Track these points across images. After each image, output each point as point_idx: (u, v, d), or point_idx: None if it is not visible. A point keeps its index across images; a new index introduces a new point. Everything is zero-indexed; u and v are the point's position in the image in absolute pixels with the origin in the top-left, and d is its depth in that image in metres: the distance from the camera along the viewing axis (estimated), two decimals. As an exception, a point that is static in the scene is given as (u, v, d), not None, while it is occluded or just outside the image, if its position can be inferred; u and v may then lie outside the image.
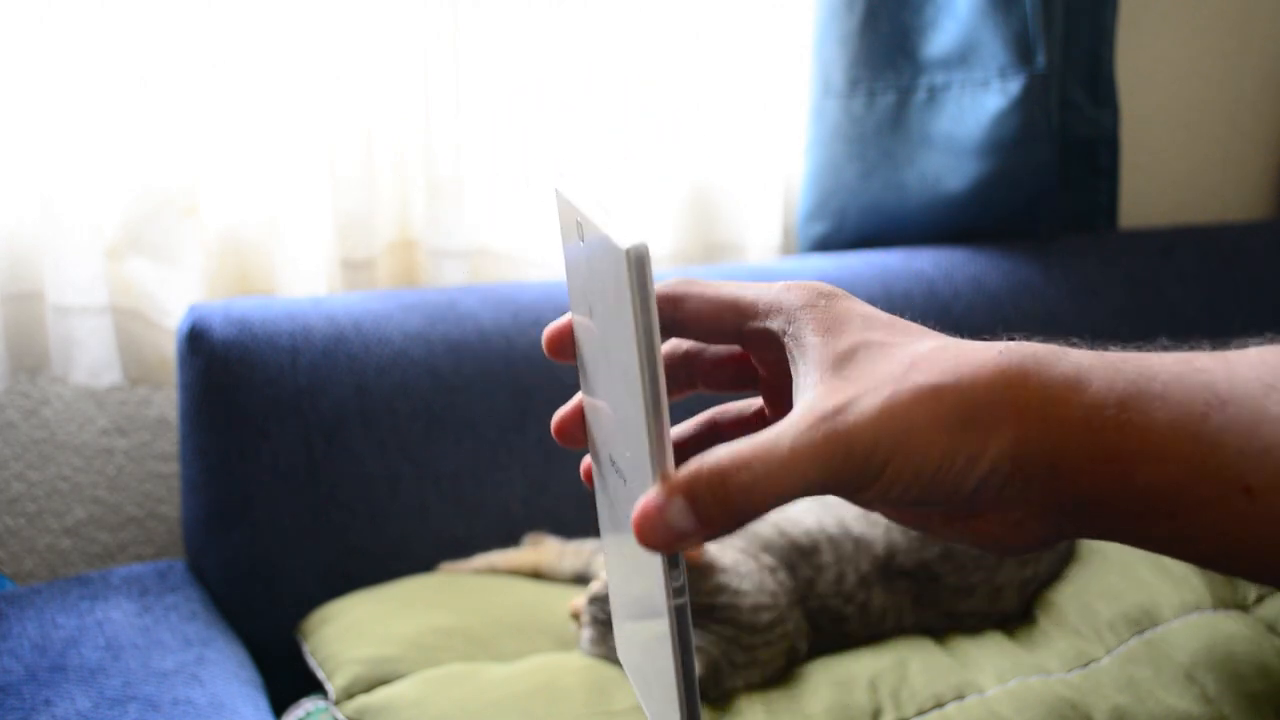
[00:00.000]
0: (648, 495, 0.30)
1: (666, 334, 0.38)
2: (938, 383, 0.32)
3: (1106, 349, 0.34)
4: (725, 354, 0.40)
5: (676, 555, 0.31)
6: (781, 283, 0.37)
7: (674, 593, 0.31)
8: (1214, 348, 0.34)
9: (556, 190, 0.37)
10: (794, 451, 0.30)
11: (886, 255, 1.35)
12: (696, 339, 0.39)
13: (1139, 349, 0.34)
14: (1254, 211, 1.76)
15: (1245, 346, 0.33)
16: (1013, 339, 0.35)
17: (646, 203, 1.32)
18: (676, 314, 0.37)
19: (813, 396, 0.33)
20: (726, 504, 0.30)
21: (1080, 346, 0.34)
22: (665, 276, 0.40)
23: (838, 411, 0.31)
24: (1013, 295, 1.33)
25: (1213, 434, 0.31)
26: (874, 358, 0.33)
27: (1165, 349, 0.34)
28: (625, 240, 0.30)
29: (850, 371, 0.33)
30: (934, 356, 0.33)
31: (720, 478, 0.30)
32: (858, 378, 0.33)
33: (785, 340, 0.35)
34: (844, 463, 0.31)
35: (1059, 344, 0.34)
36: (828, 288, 0.36)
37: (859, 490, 0.32)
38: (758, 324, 0.36)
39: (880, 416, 0.31)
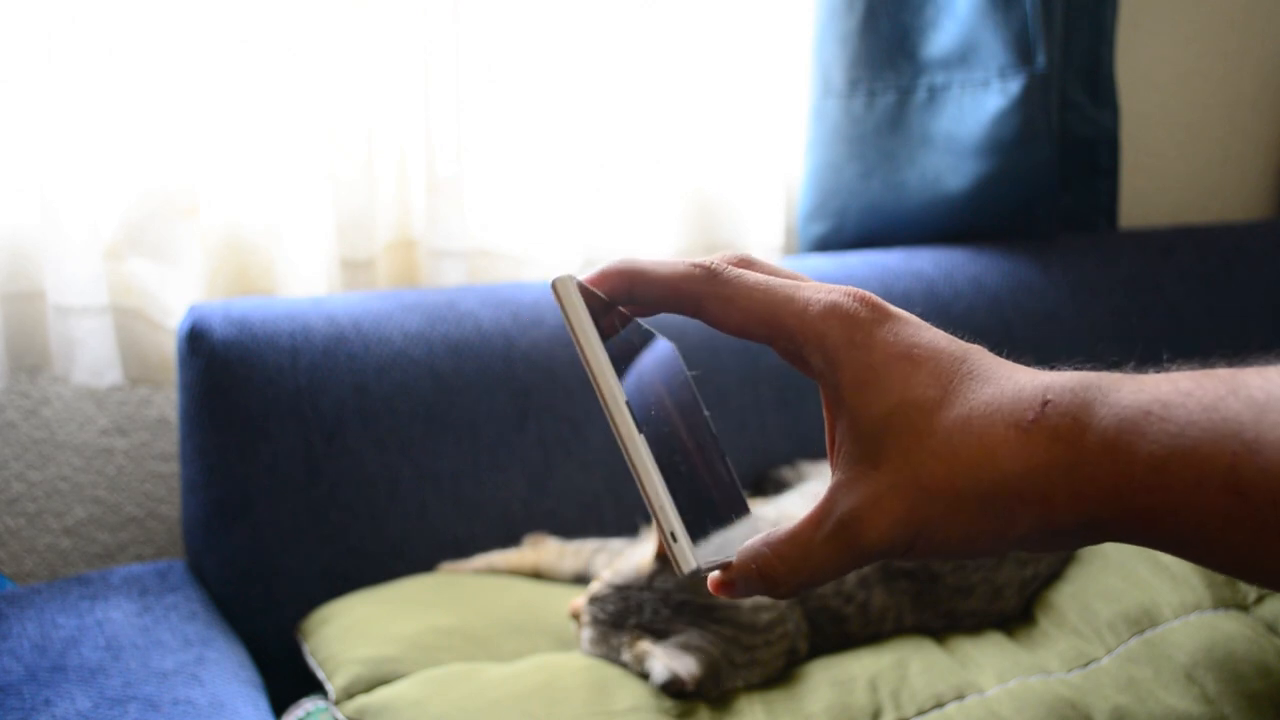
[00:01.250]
0: (716, 575, 0.37)
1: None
2: (960, 481, 0.34)
3: (1139, 370, 0.35)
4: None
5: None
6: (822, 300, 0.36)
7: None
8: (1230, 363, 0.34)
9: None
10: (821, 554, 0.35)
11: (886, 255, 1.35)
12: (723, 331, 0.40)
13: (1163, 368, 0.34)
14: (1254, 211, 1.76)
15: (1265, 363, 0.33)
16: (1054, 368, 0.35)
17: (647, 203, 1.32)
18: (695, 314, 0.38)
19: (841, 488, 0.35)
20: (774, 588, 0.36)
21: (1095, 360, 0.35)
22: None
23: (861, 517, 0.35)
24: (1013, 295, 1.33)
25: (1242, 484, 0.31)
26: (901, 439, 0.35)
27: (1190, 364, 0.34)
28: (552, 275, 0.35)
29: (877, 457, 0.35)
30: (957, 439, 0.34)
31: (764, 573, 0.36)
32: (883, 468, 0.35)
33: (822, 384, 0.37)
34: (865, 559, 0.35)
35: (1091, 376, 0.34)
36: (866, 313, 0.36)
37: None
38: (799, 350, 0.37)
39: (900, 520, 0.34)
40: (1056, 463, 0.33)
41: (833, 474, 0.36)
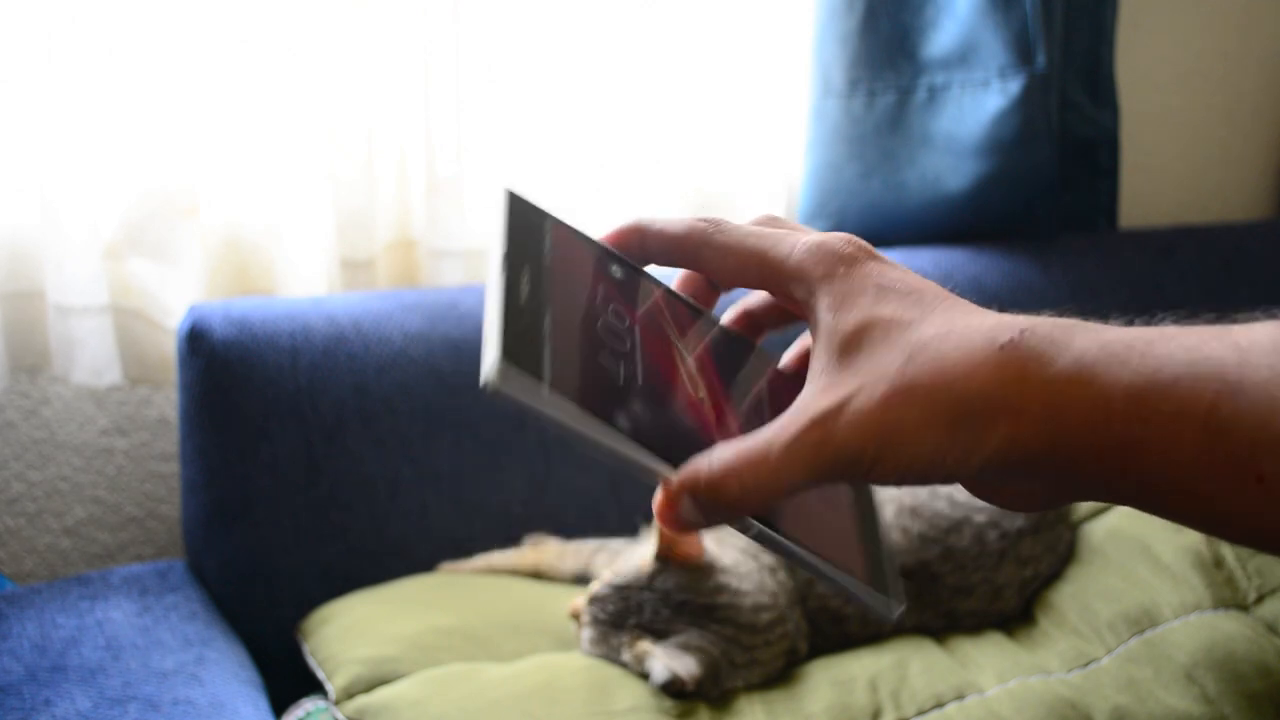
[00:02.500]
0: (659, 492, 0.34)
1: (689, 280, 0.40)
2: (931, 383, 0.32)
3: (1114, 325, 0.34)
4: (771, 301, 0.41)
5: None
6: (809, 240, 0.36)
7: None
8: (1220, 322, 0.33)
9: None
10: (781, 459, 0.33)
11: (886, 255, 1.35)
12: (723, 287, 0.40)
13: (1146, 324, 0.34)
14: (1254, 211, 1.76)
15: (1255, 321, 0.33)
16: (1026, 314, 0.34)
17: (647, 203, 1.32)
18: (696, 264, 0.38)
19: (810, 394, 0.34)
20: (722, 507, 0.34)
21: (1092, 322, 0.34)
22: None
23: (828, 417, 0.33)
24: (1013, 295, 1.33)
25: (1222, 423, 0.30)
26: (875, 347, 0.34)
27: (1175, 323, 0.33)
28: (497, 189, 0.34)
29: (850, 362, 0.34)
30: (933, 347, 0.33)
31: (714, 487, 0.33)
32: (855, 370, 0.34)
33: (806, 312, 0.36)
34: (830, 465, 0.33)
35: (1072, 319, 0.34)
36: (851, 250, 0.36)
37: (848, 480, 0.34)
38: (785, 287, 0.37)
39: (869, 421, 0.33)
40: (1031, 377, 0.32)
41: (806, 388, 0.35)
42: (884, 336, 0.34)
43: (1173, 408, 0.31)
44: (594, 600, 0.92)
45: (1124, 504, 0.34)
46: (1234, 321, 0.33)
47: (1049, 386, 0.32)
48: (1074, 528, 1.09)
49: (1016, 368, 0.32)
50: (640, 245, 0.39)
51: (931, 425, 0.32)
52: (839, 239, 0.36)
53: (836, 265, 0.36)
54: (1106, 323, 0.34)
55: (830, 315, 0.35)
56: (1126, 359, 0.32)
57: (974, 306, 0.35)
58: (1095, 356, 0.32)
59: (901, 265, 0.37)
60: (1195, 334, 0.32)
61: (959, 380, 0.32)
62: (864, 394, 0.33)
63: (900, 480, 0.33)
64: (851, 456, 0.33)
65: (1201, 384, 0.31)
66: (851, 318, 0.34)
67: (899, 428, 0.33)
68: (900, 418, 0.33)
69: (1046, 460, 0.32)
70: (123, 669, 0.86)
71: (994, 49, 1.30)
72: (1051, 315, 0.34)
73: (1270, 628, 0.95)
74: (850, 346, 0.34)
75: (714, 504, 0.33)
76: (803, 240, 0.37)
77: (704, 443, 0.35)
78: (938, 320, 0.34)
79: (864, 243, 0.37)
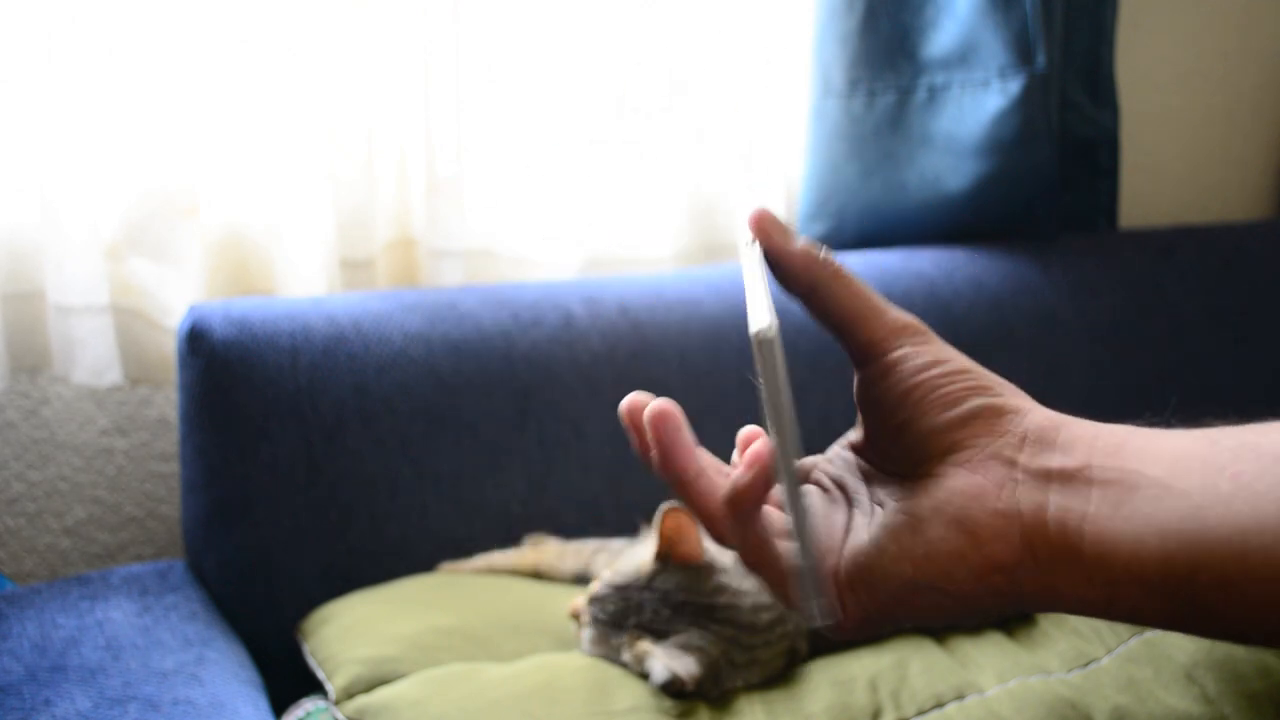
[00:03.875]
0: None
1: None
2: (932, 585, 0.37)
3: (1179, 421, 0.38)
4: None
5: None
6: (901, 317, 0.40)
7: None
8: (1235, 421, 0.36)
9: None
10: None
11: (886, 255, 1.35)
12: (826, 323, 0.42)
13: (1202, 422, 0.37)
14: (1254, 211, 1.76)
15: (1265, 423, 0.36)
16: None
17: (647, 203, 1.32)
18: (808, 299, 0.41)
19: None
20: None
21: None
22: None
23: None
24: (1013, 295, 1.33)
25: (1104, 573, 0.35)
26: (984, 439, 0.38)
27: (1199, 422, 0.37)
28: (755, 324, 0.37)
29: (955, 451, 0.38)
30: (942, 549, 0.37)
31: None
32: (965, 467, 0.38)
33: (878, 391, 0.40)
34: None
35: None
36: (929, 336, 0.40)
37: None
38: (871, 353, 0.40)
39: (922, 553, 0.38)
40: (1034, 565, 0.36)
41: (881, 483, 0.40)
42: (989, 428, 0.38)
43: (1073, 568, 0.36)
44: (594, 600, 0.92)
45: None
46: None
47: (1047, 579, 0.36)
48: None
49: (1023, 555, 0.36)
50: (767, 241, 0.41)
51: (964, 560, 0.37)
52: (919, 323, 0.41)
53: (923, 345, 0.40)
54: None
55: (917, 408, 0.39)
56: (1132, 517, 0.35)
57: (1015, 420, 0.38)
58: (1100, 534, 0.35)
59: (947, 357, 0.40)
60: (1209, 470, 0.35)
61: (960, 590, 0.37)
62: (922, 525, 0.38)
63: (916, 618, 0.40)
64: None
65: (1079, 539, 0.36)
66: (948, 414, 0.38)
67: (935, 555, 0.37)
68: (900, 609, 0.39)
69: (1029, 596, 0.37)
70: (123, 669, 0.86)
71: (994, 49, 1.30)
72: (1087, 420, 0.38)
73: (1270, 628, 0.95)
74: (947, 436, 0.38)
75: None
76: (897, 315, 0.40)
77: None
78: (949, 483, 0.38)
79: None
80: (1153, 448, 0.35)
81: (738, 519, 0.38)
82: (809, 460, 0.44)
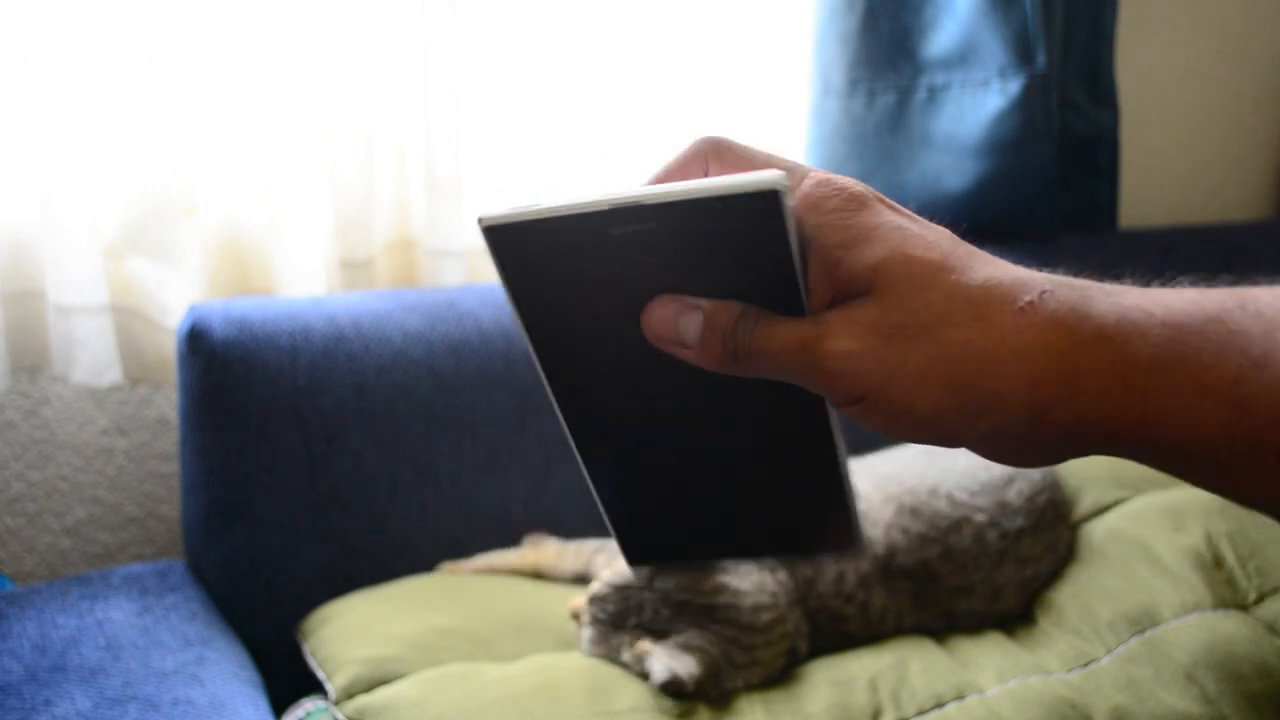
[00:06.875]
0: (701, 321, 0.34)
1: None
2: (948, 345, 0.31)
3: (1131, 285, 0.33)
4: None
5: None
6: (819, 174, 0.35)
7: None
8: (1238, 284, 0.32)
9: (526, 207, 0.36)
10: (781, 342, 0.33)
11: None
12: None
13: (1165, 286, 0.32)
14: (1254, 211, 1.76)
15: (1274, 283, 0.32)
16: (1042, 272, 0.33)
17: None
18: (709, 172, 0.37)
19: (824, 317, 0.33)
20: (727, 352, 0.34)
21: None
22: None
23: (828, 334, 0.32)
24: (1013, 295, 1.33)
25: (1245, 399, 0.29)
26: (899, 285, 0.32)
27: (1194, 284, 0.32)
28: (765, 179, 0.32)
29: (870, 292, 0.33)
30: (956, 304, 0.32)
31: (732, 325, 0.34)
32: (874, 302, 0.32)
33: (810, 257, 0.35)
34: (824, 378, 0.33)
35: (1088, 279, 0.33)
36: (858, 194, 0.35)
37: (838, 405, 0.34)
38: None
39: (870, 356, 0.32)
40: (1050, 347, 0.31)
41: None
42: (904, 274, 0.32)
43: (1195, 383, 0.30)
44: (594, 600, 0.92)
45: (1138, 462, 0.33)
46: (1255, 284, 0.32)
47: (1067, 360, 0.31)
48: (1074, 528, 1.09)
49: (1035, 335, 0.31)
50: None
51: (936, 380, 0.31)
52: (850, 180, 0.35)
53: (847, 203, 0.34)
54: (1122, 283, 0.33)
55: (843, 251, 0.33)
56: (1146, 329, 0.31)
57: (989, 255, 0.34)
58: (1116, 325, 0.31)
59: (909, 211, 0.36)
60: (1217, 301, 0.31)
61: (974, 341, 0.31)
62: (874, 328, 0.32)
63: (891, 428, 0.33)
64: (844, 375, 0.32)
65: (1225, 358, 0.30)
66: (870, 255, 0.33)
67: (901, 371, 0.32)
68: (905, 361, 0.32)
69: (1061, 427, 0.31)
70: (123, 669, 0.86)
71: (994, 49, 1.30)
72: (1066, 275, 0.34)
73: (1270, 628, 0.95)
74: (868, 279, 0.33)
75: (719, 340, 0.34)
76: (812, 173, 0.35)
77: None
78: (957, 269, 0.32)
79: (856, 189, 0.35)
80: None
81: None
82: None
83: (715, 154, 0.37)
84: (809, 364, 0.32)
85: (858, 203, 0.34)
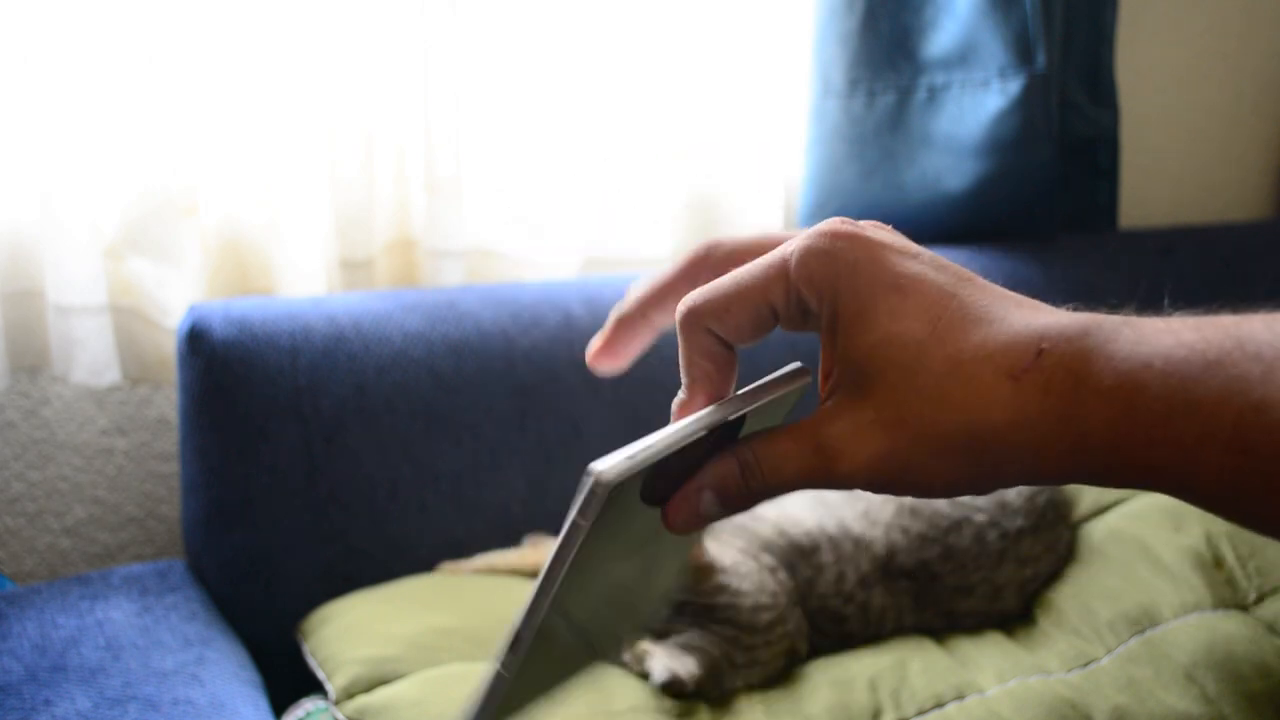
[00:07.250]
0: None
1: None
2: (948, 432, 0.33)
3: (1139, 314, 0.33)
4: None
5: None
6: (794, 251, 0.35)
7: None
8: (1235, 312, 0.33)
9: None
10: (794, 468, 0.35)
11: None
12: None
13: (1164, 313, 0.33)
14: (1254, 211, 1.76)
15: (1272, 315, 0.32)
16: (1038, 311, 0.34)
17: (647, 203, 1.32)
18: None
19: (827, 411, 0.35)
20: (742, 493, 0.36)
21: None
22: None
23: (836, 449, 0.34)
24: (1013, 295, 1.33)
25: (1247, 444, 0.30)
26: (890, 377, 0.33)
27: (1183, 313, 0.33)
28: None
29: (867, 388, 0.34)
30: (951, 385, 0.33)
31: (744, 468, 0.36)
32: (871, 400, 0.34)
33: (821, 326, 0.35)
34: (839, 487, 0.35)
35: (1083, 323, 0.33)
36: (844, 243, 0.34)
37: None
38: (797, 311, 0.36)
39: (879, 460, 0.34)
40: (1049, 415, 0.32)
41: (821, 404, 0.36)
42: (896, 362, 0.33)
43: (1197, 432, 0.30)
44: (594, 600, 0.92)
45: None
46: (1243, 312, 0.32)
47: (1067, 425, 0.32)
48: (1074, 528, 1.09)
49: (1034, 407, 0.32)
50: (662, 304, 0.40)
51: (945, 460, 0.33)
52: (824, 238, 0.35)
53: (838, 266, 0.34)
54: (1115, 312, 0.33)
55: (845, 327, 0.34)
56: (1147, 382, 0.31)
57: (986, 303, 0.34)
58: (1115, 383, 0.31)
59: (901, 244, 0.35)
60: (1216, 341, 0.31)
61: (973, 422, 0.32)
62: (876, 430, 0.33)
63: (917, 496, 0.34)
64: (860, 483, 0.34)
65: (1226, 404, 0.30)
66: (865, 337, 0.34)
67: (910, 463, 0.33)
68: (911, 456, 0.33)
69: (1069, 476, 0.33)
70: (123, 669, 0.86)
71: (994, 49, 1.30)
72: (1067, 309, 0.34)
73: (1270, 628, 0.95)
74: (864, 370, 0.34)
75: (734, 488, 0.35)
76: (789, 254, 0.35)
77: None
78: (948, 341, 0.33)
79: (850, 230, 0.35)
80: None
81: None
82: None
83: (708, 259, 0.39)
84: (825, 482, 0.35)
85: (849, 270, 0.34)
